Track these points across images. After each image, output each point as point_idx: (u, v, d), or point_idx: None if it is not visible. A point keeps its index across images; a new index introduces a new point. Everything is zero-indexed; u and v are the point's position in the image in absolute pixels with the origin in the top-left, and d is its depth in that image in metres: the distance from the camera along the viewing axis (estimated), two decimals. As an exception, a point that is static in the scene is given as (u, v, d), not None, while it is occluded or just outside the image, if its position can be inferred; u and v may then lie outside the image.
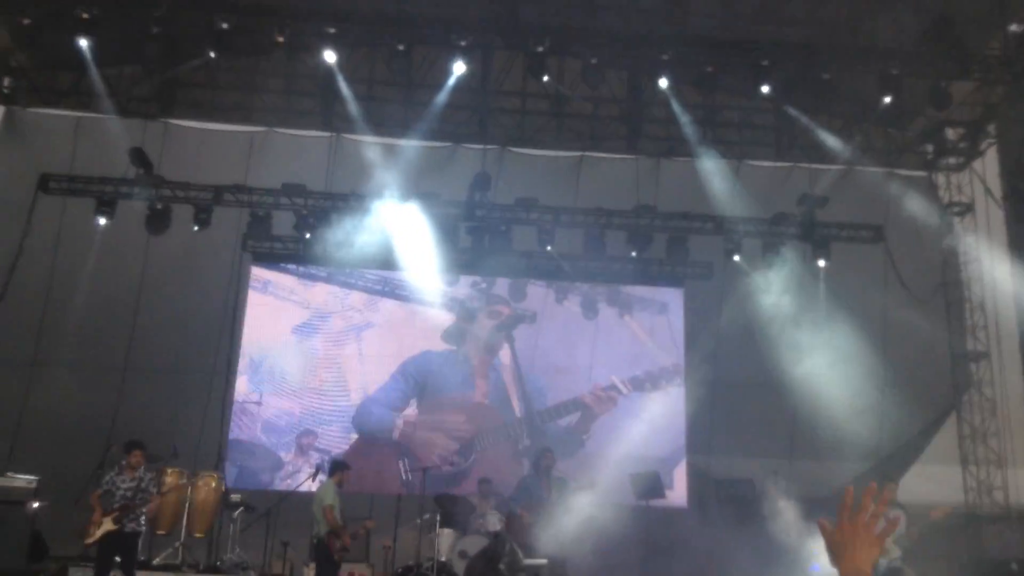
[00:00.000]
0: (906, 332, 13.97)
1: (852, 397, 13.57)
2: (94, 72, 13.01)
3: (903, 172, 16.20)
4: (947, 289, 15.90)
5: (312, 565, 10.51)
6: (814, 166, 15.78)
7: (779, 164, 15.97)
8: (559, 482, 11.77)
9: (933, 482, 14.08)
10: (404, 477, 11.28)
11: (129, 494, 9.53)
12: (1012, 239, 14.81)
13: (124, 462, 9.75)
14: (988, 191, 15.75)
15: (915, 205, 15.44)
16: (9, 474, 11.11)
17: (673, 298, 15.42)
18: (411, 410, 14.38)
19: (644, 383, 14.90)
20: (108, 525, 9.39)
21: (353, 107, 13.93)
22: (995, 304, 15.32)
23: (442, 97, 13.94)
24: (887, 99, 13.57)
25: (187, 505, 10.74)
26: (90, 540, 9.43)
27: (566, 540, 11.22)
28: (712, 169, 14.82)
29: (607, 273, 15.04)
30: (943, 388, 14.94)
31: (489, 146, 15.39)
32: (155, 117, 14.76)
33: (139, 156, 13.30)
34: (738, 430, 13.73)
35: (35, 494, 10.75)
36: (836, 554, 1.97)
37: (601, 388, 14.79)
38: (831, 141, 14.79)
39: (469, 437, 14.35)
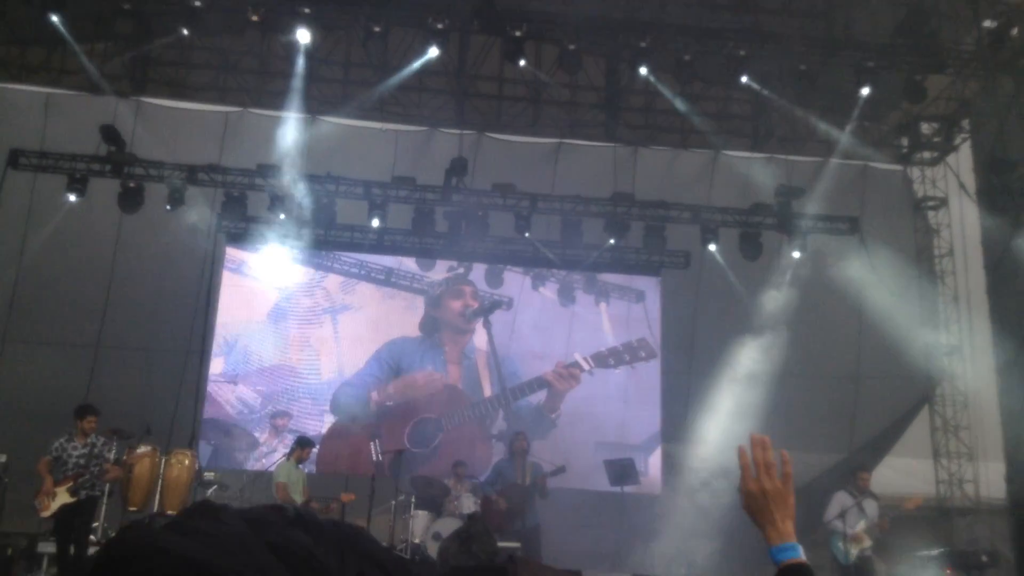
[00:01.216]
0: (880, 325, 14.01)
1: (827, 389, 13.62)
2: (71, 43, 12.78)
3: (878, 166, 16.30)
4: (921, 283, 16.00)
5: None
6: (791, 158, 15.86)
7: (756, 155, 16.00)
8: (533, 466, 11.72)
9: (905, 474, 14.18)
10: (375, 458, 11.18)
11: (82, 461, 9.06)
12: (985, 234, 14.90)
13: (75, 428, 9.27)
14: (962, 186, 15.86)
15: (890, 199, 15.55)
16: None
17: (650, 287, 15.38)
18: (387, 388, 14.28)
19: (607, 359, 14.77)
20: (64, 497, 8.92)
21: (323, 89, 13.78)
22: (968, 299, 15.44)
23: (408, 76, 13.92)
24: (864, 91, 13.69)
25: (160, 482, 10.54)
26: (46, 513, 8.96)
27: (540, 524, 11.21)
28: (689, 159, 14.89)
29: (584, 261, 14.97)
30: (916, 381, 15.00)
31: (466, 131, 15.28)
32: (127, 95, 14.51)
33: (111, 133, 13.03)
34: (713, 418, 13.69)
35: (4, 470, 10.49)
36: (759, 521, 1.94)
37: (563, 365, 14.70)
38: (816, 123, 14.82)
39: (439, 416, 14.25)
